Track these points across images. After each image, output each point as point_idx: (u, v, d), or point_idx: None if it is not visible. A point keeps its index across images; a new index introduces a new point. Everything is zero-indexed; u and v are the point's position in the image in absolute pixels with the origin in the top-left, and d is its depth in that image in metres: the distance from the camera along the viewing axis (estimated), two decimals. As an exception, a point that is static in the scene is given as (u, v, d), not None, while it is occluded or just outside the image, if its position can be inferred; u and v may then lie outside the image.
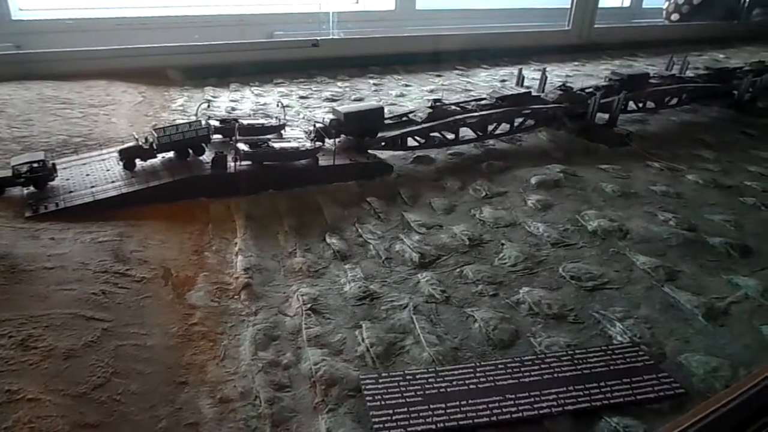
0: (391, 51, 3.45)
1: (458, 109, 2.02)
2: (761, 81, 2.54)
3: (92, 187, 1.47)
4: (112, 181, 1.50)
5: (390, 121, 1.96)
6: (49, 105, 2.24)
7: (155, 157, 1.59)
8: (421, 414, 0.85)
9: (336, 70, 3.21)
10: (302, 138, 1.75)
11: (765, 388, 0.85)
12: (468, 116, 1.94)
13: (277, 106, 2.22)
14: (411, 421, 0.84)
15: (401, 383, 0.91)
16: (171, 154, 1.61)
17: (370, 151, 1.81)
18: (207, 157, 1.61)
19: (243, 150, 1.56)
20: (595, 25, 4.07)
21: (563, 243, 1.38)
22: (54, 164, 1.51)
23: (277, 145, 1.62)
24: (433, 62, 3.44)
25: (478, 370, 0.95)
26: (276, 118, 1.98)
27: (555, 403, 0.88)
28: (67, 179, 1.52)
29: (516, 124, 2.08)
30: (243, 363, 0.96)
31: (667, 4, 5.00)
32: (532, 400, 0.89)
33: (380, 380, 0.92)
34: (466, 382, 0.92)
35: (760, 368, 0.92)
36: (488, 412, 0.86)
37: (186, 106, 2.45)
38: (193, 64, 2.95)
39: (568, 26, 4.01)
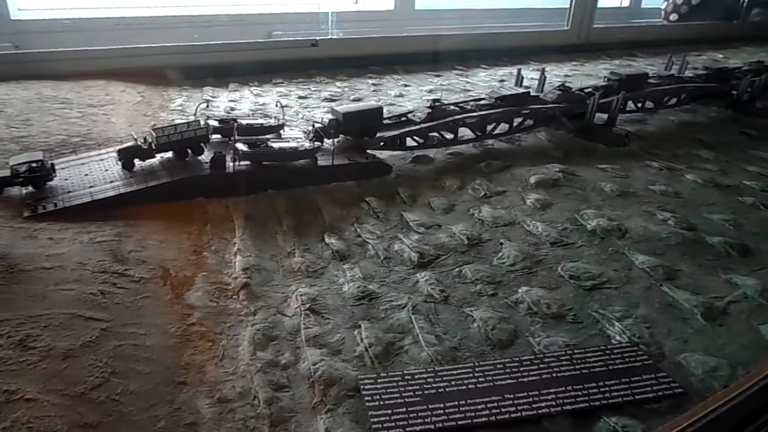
0: (390, 51, 3.45)
1: (457, 109, 2.02)
2: (760, 81, 2.54)
3: (91, 187, 1.47)
4: (111, 181, 1.50)
5: (389, 121, 1.96)
6: (48, 105, 2.23)
7: (154, 157, 1.59)
8: (419, 414, 0.85)
9: (335, 70, 3.21)
10: (301, 138, 1.75)
11: (763, 387, 0.85)
12: (467, 116, 1.95)
13: (276, 106, 2.22)
14: (410, 421, 0.84)
15: (400, 383, 0.91)
16: (170, 154, 1.61)
17: (369, 151, 1.81)
18: (206, 157, 1.61)
19: (242, 150, 1.56)
20: (594, 25, 4.07)
21: (562, 242, 1.38)
22: (52, 164, 1.51)
23: (275, 145, 1.62)
24: (432, 62, 3.44)
25: (476, 369, 0.95)
26: (275, 118, 1.97)
27: (554, 402, 0.88)
28: (66, 179, 1.52)
29: (515, 124, 2.08)
30: (242, 363, 0.96)
31: (665, 4, 5.01)
32: (531, 399, 0.89)
33: (379, 380, 0.92)
34: (465, 382, 0.92)
35: (759, 368, 0.92)
36: (487, 412, 0.86)
37: (185, 106, 2.45)
38: (192, 64, 2.95)
39: (567, 26, 4.01)
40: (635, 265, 1.28)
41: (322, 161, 1.66)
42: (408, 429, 0.83)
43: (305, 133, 1.78)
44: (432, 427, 0.83)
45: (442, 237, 1.40)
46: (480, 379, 0.92)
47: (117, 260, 1.19)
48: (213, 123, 1.77)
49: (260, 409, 0.87)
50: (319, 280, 1.22)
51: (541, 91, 2.37)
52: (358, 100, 2.69)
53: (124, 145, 1.60)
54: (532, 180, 1.71)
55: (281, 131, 1.86)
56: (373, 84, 3.02)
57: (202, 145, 1.62)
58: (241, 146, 1.57)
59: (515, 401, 0.88)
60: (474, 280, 1.22)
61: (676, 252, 1.34)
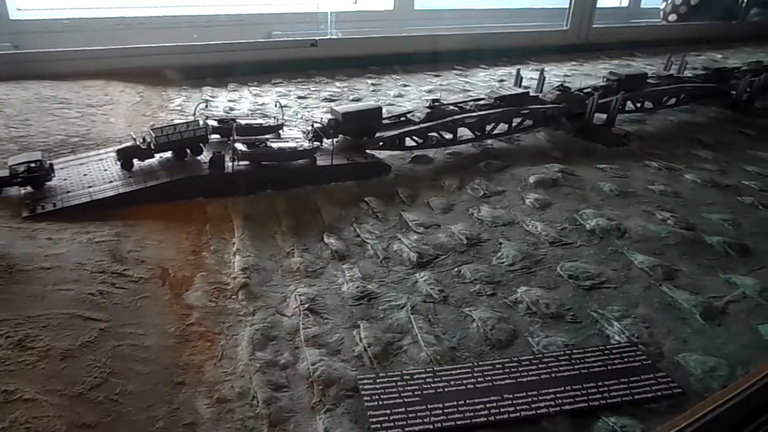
0: (389, 51, 3.45)
1: (456, 109, 2.02)
2: (759, 81, 2.54)
3: (90, 187, 1.47)
4: (110, 181, 1.49)
5: (388, 121, 1.96)
6: (47, 105, 2.23)
7: (153, 157, 1.58)
8: (418, 414, 0.85)
9: (334, 70, 3.21)
10: (300, 138, 1.75)
11: (762, 387, 0.85)
12: (466, 116, 1.95)
13: (275, 106, 2.22)
14: (408, 422, 0.84)
15: (399, 383, 0.91)
16: (169, 154, 1.61)
17: (368, 151, 1.80)
18: (205, 157, 1.61)
19: (241, 150, 1.56)
20: (594, 25, 4.07)
21: (561, 242, 1.38)
22: (51, 164, 1.50)
23: (275, 145, 1.62)
24: (432, 62, 3.44)
25: (475, 370, 0.95)
26: (274, 118, 1.97)
27: (553, 402, 0.88)
28: (65, 179, 1.52)
29: (514, 124, 2.08)
30: (240, 363, 0.96)
31: (664, 4, 5.01)
32: (530, 400, 0.89)
33: (378, 380, 0.92)
34: (464, 382, 0.92)
35: (758, 368, 0.92)
36: (486, 412, 0.86)
37: (184, 106, 2.45)
38: (191, 64, 2.95)
39: (566, 26, 4.01)
40: (634, 265, 1.28)
41: (321, 161, 1.66)
42: (407, 429, 0.83)
43: (304, 133, 1.78)
44: (431, 427, 0.83)
45: (441, 237, 1.40)
46: (479, 379, 0.92)
47: (116, 260, 1.19)
48: (212, 123, 1.77)
49: (259, 409, 0.87)
50: (318, 280, 1.22)
51: (541, 91, 2.37)
52: (358, 100, 2.69)
53: (123, 145, 1.60)
54: (532, 180, 1.71)
55: (280, 131, 1.86)
56: (373, 84, 3.02)
57: (201, 145, 1.62)
58: (240, 146, 1.57)
59: (514, 401, 0.88)
60: (473, 279, 1.22)
61: (675, 252, 1.34)
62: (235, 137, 1.59)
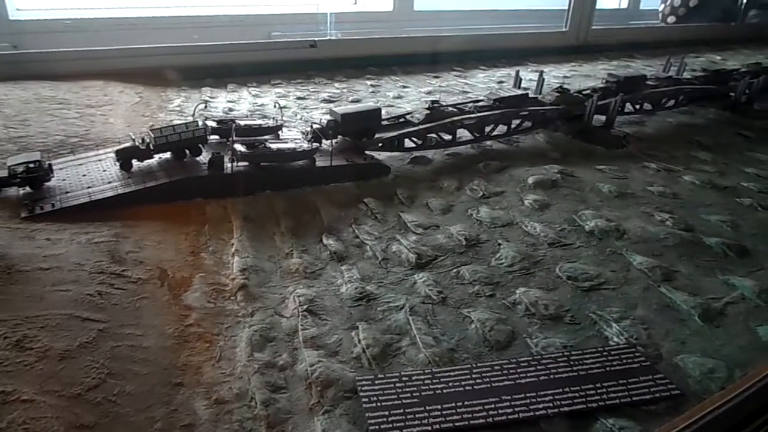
0: (388, 52, 3.45)
1: (455, 110, 2.02)
2: (758, 83, 2.55)
3: (89, 187, 1.47)
4: (109, 182, 1.49)
5: (387, 123, 1.97)
6: (46, 105, 2.23)
7: (152, 157, 1.58)
8: (417, 415, 0.85)
9: (333, 71, 3.21)
10: (299, 139, 1.75)
11: (761, 389, 0.85)
12: (465, 118, 1.95)
13: (275, 106, 2.22)
14: (407, 423, 0.84)
15: (397, 385, 0.91)
16: (168, 154, 1.61)
17: (367, 152, 1.80)
18: (204, 157, 1.61)
19: (240, 151, 1.56)
20: (593, 27, 4.08)
21: (560, 243, 1.38)
22: (50, 164, 1.50)
23: (274, 146, 1.62)
24: (431, 63, 3.45)
25: (474, 371, 0.95)
26: (273, 118, 1.97)
27: (551, 404, 0.88)
28: (64, 180, 1.51)
29: (513, 125, 2.08)
30: (239, 364, 0.96)
31: (662, 6, 5.01)
32: (528, 401, 0.89)
33: (376, 382, 0.92)
34: (463, 383, 0.92)
35: (756, 370, 0.92)
36: (484, 413, 0.86)
37: (183, 107, 2.45)
38: (191, 65, 2.95)
39: (565, 27, 4.01)
40: (633, 266, 1.28)
41: (321, 162, 1.66)
42: (405, 430, 0.83)
43: (303, 133, 1.78)
44: (429, 428, 0.83)
45: (440, 238, 1.40)
46: (477, 381, 0.92)
47: (114, 261, 1.19)
48: (211, 124, 1.77)
49: (257, 410, 0.87)
50: (317, 281, 1.22)
51: (540, 93, 2.37)
52: (357, 101, 2.69)
53: (123, 146, 1.60)
54: (531, 181, 1.71)
55: (279, 132, 1.86)
56: (372, 85, 3.02)
57: (201, 145, 1.62)
58: (239, 147, 1.57)
59: (512, 403, 0.88)
60: (472, 281, 1.22)
61: (674, 253, 1.34)
62: (234, 138, 1.59)
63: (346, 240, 1.39)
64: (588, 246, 1.37)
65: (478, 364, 0.97)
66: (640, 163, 1.93)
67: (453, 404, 0.87)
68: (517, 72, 2.55)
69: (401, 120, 2.00)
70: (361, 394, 0.89)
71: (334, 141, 1.75)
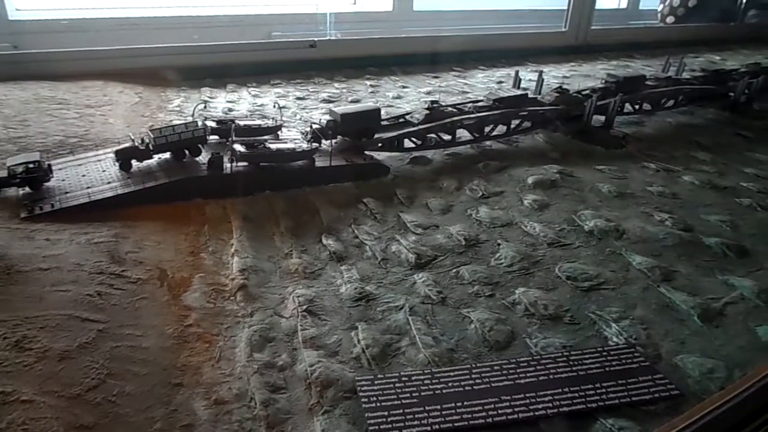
0: (388, 52, 3.45)
1: (455, 110, 2.02)
2: (757, 83, 2.55)
3: (88, 187, 1.47)
4: (108, 182, 1.49)
5: (387, 123, 1.96)
6: (45, 105, 2.23)
7: (151, 157, 1.58)
8: (416, 416, 0.85)
9: (333, 71, 3.21)
10: (299, 139, 1.75)
11: (760, 389, 0.85)
12: (465, 118, 1.95)
13: (274, 107, 2.22)
14: (406, 423, 0.84)
15: (397, 385, 0.91)
16: (167, 155, 1.60)
17: (366, 152, 1.81)
18: (203, 158, 1.61)
19: (239, 151, 1.56)
20: (592, 27, 4.08)
21: (559, 243, 1.38)
22: (50, 165, 1.50)
23: (273, 146, 1.62)
24: (431, 63, 3.44)
25: (473, 371, 0.95)
26: (273, 119, 1.97)
27: (550, 404, 0.88)
28: (63, 180, 1.51)
29: (512, 125, 2.08)
30: (238, 364, 0.96)
31: (661, 6, 5.01)
32: (528, 401, 0.89)
33: (376, 382, 0.92)
34: (462, 383, 0.92)
35: (755, 370, 0.92)
36: (484, 413, 0.86)
37: (183, 107, 2.44)
38: (190, 65, 2.95)
39: (565, 27, 4.01)
40: (632, 266, 1.29)
41: (320, 162, 1.66)
42: (405, 431, 0.83)
43: (303, 134, 1.78)
44: (429, 429, 0.83)
45: (440, 238, 1.40)
46: (477, 381, 0.92)
47: (114, 261, 1.19)
48: (211, 124, 1.77)
49: (257, 410, 0.87)
50: (317, 282, 1.22)
51: (539, 93, 2.37)
52: (356, 101, 2.69)
53: (122, 146, 1.60)
54: (530, 181, 1.71)
55: (279, 132, 1.86)
56: (371, 85, 3.02)
57: (200, 146, 1.62)
58: (238, 147, 1.57)
59: (512, 403, 0.88)
60: (471, 281, 1.22)
61: (674, 253, 1.34)
62: (234, 138, 1.59)
63: (346, 240, 1.39)
64: (587, 246, 1.37)
65: (478, 365, 0.97)
66: (640, 163, 1.93)
67: (452, 404, 0.87)
68: (517, 72, 2.55)
69: (401, 120, 2.00)
70: (361, 394, 0.89)
71: (333, 141, 1.75)
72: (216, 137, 1.74)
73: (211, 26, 3.37)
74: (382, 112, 1.92)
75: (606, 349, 1.01)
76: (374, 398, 0.88)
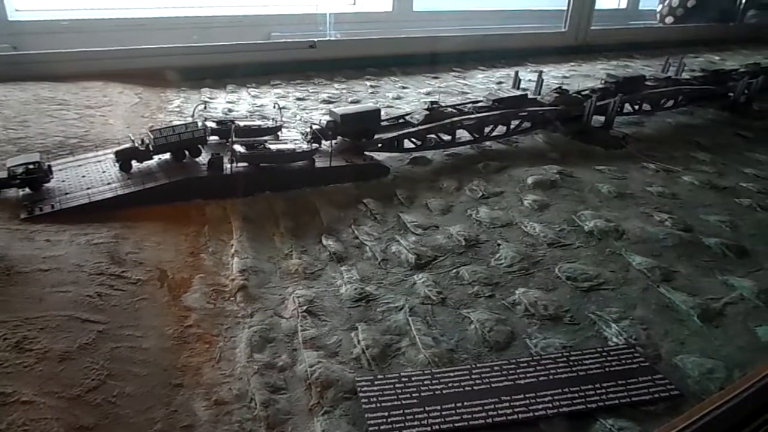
0: (388, 53, 3.45)
1: (455, 111, 2.02)
2: (756, 83, 2.55)
3: (88, 188, 1.47)
4: (108, 183, 1.49)
5: (387, 123, 1.97)
6: (45, 106, 2.23)
7: (151, 158, 1.58)
8: (416, 416, 0.85)
9: (333, 72, 3.21)
10: (299, 140, 1.75)
11: (760, 390, 0.85)
12: (465, 118, 1.95)
13: (274, 107, 2.22)
14: (406, 424, 0.84)
15: (397, 385, 0.91)
16: (167, 155, 1.60)
17: (366, 152, 1.81)
18: (203, 158, 1.61)
19: (239, 151, 1.56)
20: (592, 27, 4.08)
21: (559, 243, 1.38)
22: (50, 166, 1.50)
23: (273, 147, 1.62)
24: (430, 64, 3.44)
25: (473, 372, 0.95)
26: (273, 119, 1.97)
27: (550, 404, 0.88)
28: (63, 181, 1.51)
29: (512, 126, 2.08)
30: (238, 365, 0.96)
31: (660, 6, 5.01)
32: (528, 401, 0.89)
33: (376, 382, 0.92)
34: (462, 384, 0.92)
35: (755, 370, 0.92)
36: (484, 414, 0.86)
37: (182, 108, 2.44)
38: (190, 66, 2.95)
39: (564, 28, 4.01)
40: (632, 267, 1.29)
41: (320, 163, 1.66)
42: (405, 431, 0.83)
43: (303, 134, 1.78)
44: (429, 429, 0.83)
45: (440, 238, 1.40)
46: (477, 381, 0.93)
47: (114, 262, 1.19)
48: (210, 124, 1.77)
49: (257, 411, 0.87)
50: (317, 282, 1.22)
51: (539, 93, 2.37)
52: (356, 101, 2.69)
53: (122, 147, 1.60)
54: (530, 181, 1.72)
55: (279, 133, 1.86)
56: (371, 86, 3.02)
57: (200, 146, 1.62)
58: (238, 148, 1.57)
59: (512, 403, 0.88)
60: (471, 281, 1.22)
61: (673, 253, 1.35)
62: (234, 139, 1.59)
63: (346, 241, 1.39)
64: (587, 246, 1.38)
65: (478, 365, 0.97)
66: (639, 163, 1.93)
67: (452, 405, 0.87)
68: (516, 72, 2.55)
69: (401, 121, 2.00)
70: (361, 394, 0.89)
71: (333, 142, 1.75)
72: (216, 138, 1.74)
73: (211, 27, 3.37)
74: (382, 112, 1.92)
75: (606, 350, 1.01)
76: (374, 399, 0.88)
